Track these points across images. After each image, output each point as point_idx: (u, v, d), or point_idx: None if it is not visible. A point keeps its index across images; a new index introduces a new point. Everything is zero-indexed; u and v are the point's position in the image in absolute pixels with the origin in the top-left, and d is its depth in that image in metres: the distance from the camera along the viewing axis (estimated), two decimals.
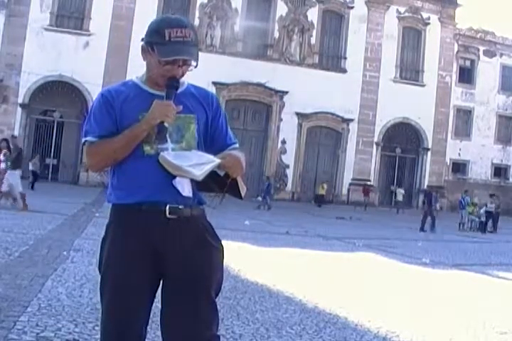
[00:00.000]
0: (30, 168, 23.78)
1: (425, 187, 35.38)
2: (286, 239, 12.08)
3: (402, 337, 4.73)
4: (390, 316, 5.46)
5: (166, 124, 2.29)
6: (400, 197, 32.51)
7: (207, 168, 2.27)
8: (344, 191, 33.84)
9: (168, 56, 2.29)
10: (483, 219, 22.68)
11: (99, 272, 2.40)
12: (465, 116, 39.12)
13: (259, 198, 29.56)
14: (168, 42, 2.28)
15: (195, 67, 2.40)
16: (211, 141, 2.46)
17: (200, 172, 2.26)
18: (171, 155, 2.30)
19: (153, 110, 2.29)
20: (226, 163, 2.29)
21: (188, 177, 2.29)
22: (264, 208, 22.56)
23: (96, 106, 2.39)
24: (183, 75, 2.38)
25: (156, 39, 2.31)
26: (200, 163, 2.28)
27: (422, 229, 19.00)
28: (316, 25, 33.37)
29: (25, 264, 6.27)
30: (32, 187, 22.35)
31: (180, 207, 2.31)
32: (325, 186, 31.01)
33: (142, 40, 2.38)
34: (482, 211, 22.76)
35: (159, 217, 2.30)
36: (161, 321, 2.36)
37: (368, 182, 33.68)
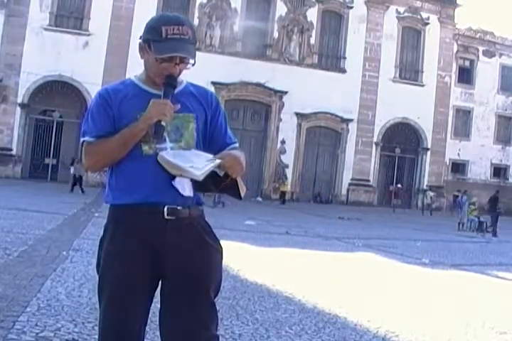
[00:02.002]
0: (72, 171, 23.95)
1: (425, 187, 35.48)
2: (286, 239, 12.07)
3: (402, 337, 4.73)
4: (390, 316, 5.45)
5: (163, 123, 2.27)
6: (429, 200, 32.42)
7: (207, 168, 2.24)
8: (343, 191, 33.86)
9: (163, 53, 2.27)
10: (482, 219, 22.67)
11: (97, 272, 2.39)
12: (464, 116, 39.15)
13: (259, 198, 29.63)
14: (165, 39, 2.26)
15: (193, 65, 2.38)
16: (210, 141, 2.45)
17: (200, 172, 2.24)
18: (169, 154, 2.29)
19: (150, 109, 2.27)
20: (226, 163, 2.27)
21: (189, 177, 2.28)
22: (220, 206, 22.04)
23: (93, 106, 2.38)
24: (180, 73, 2.36)
25: (153, 36, 2.29)
26: (200, 163, 2.26)
27: (494, 234, 19.37)
28: (315, 25, 33.39)
29: (25, 264, 6.26)
30: (72, 190, 22.42)
31: (178, 207, 2.30)
32: (286, 182, 30.79)
33: (140, 38, 2.37)
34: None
35: (157, 217, 2.29)
36: (160, 321, 2.36)
37: (399, 185, 33.72)
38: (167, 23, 2.28)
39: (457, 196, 24.45)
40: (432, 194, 32.90)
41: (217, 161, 2.26)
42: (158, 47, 2.28)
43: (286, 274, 7.58)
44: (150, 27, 2.32)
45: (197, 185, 2.32)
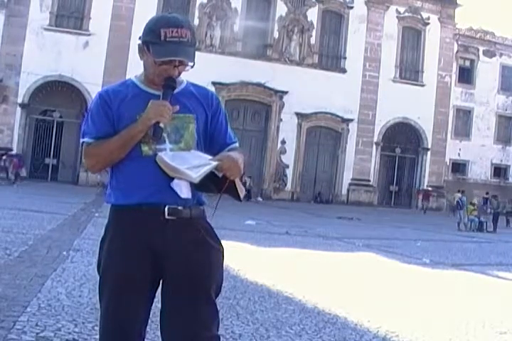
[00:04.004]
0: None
1: (425, 187, 35.46)
2: (286, 239, 12.07)
3: (402, 337, 4.73)
4: (390, 316, 5.45)
5: (161, 125, 2.27)
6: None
7: (204, 170, 2.24)
8: (344, 191, 33.86)
9: (162, 57, 2.27)
10: (483, 219, 22.72)
11: (98, 272, 2.39)
12: (465, 116, 39.13)
13: (259, 198, 29.63)
14: (164, 42, 2.26)
15: (192, 67, 2.38)
16: (211, 141, 2.45)
17: (197, 175, 2.23)
18: (168, 156, 2.29)
19: (148, 110, 2.27)
20: (224, 165, 2.26)
21: (185, 179, 2.28)
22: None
23: (93, 107, 2.38)
24: (179, 75, 2.36)
25: (152, 38, 2.29)
26: (197, 165, 2.25)
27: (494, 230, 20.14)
28: (315, 25, 33.37)
29: (25, 264, 6.26)
30: None
31: (179, 207, 2.31)
32: (247, 180, 30.70)
33: (139, 38, 2.37)
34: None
35: (158, 217, 2.29)
36: (161, 321, 2.36)
37: (429, 188, 33.62)
38: (166, 26, 2.28)
39: (487, 198, 24.88)
40: (460, 196, 31.84)
41: (215, 163, 2.25)
42: (157, 50, 2.27)
43: (286, 274, 7.58)
44: (149, 29, 2.32)
45: (197, 185, 2.32)
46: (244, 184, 29.79)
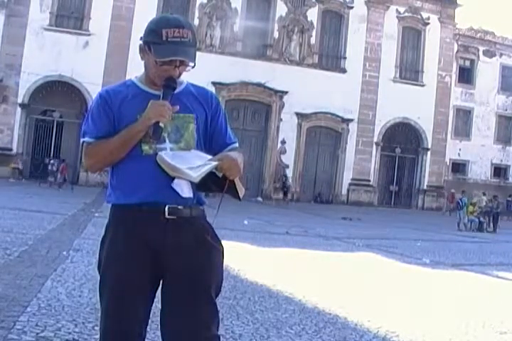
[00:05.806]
0: None
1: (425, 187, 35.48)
2: (286, 239, 12.07)
3: (402, 337, 4.73)
4: (390, 316, 5.45)
5: (161, 124, 2.28)
6: (482, 203, 32.03)
7: (204, 170, 2.24)
8: (344, 191, 33.86)
9: (164, 57, 2.28)
10: (482, 219, 22.73)
11: (99, 272, 2.40)
12: (465, 116, 39.13)
13: (259, 198, 29.64)
14: (165, 42, 2.27)
15: (193, 67, 2.39)
16: (211, 141, 2.45)
17: (197, 174, 2.24)
18: (168, 155, 2.29)
19: (148, 110, 2.28)
20: (223, 165, 2.26)
21: (185, 178, 2.28)
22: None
23: (94, 107, 2.39)
24: (180, 75, 2.37)
25: (153, 39, 2.30)
26: (197, 165, 2.26)
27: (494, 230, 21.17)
28: (315, 25, 33.37)
29: (25, 264, 6.27)
30: None
31: (179, 207, 2.31)
32: (291, 185, 30.83)
33: (141, 39, 2.37)
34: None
35: (159, 217, 2.29)
36: (161, 321, 2.36)
37: (452, 190, 33.60)
38: (167, 26, 2.29)
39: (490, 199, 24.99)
40: (485, 199, 28.84)
41: (214, 163, 2.26)
42: (158, 50, 2.28)
43: (286, 274, 7.58)
44: (150, 29, 2.33)
45: (198, 185, 2.32)
46: (287, 187, 30.05)
